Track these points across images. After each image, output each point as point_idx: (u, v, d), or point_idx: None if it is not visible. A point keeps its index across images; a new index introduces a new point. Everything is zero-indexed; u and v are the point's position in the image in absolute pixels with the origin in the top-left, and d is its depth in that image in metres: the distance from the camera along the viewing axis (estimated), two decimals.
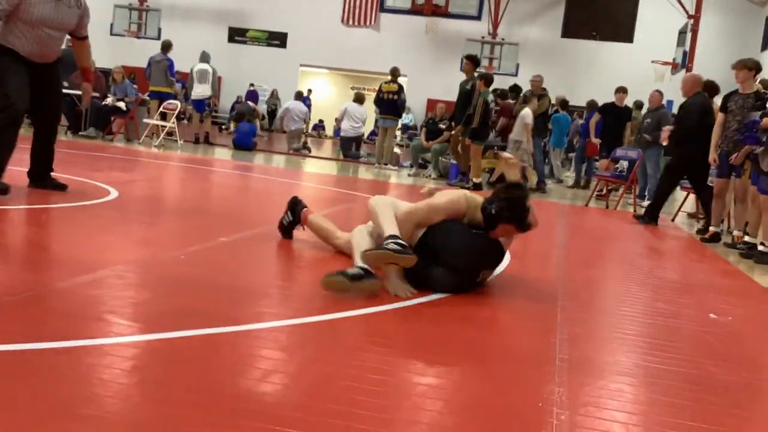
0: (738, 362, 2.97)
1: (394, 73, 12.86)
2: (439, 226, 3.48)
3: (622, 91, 11.74)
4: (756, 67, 7.06)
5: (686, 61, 19.94)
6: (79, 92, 12.41)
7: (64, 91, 12.49)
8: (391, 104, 12.58)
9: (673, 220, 9.03)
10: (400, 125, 14.73)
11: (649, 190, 11.01)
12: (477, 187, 10.21)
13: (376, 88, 13.21)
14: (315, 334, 2.73)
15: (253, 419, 1.86)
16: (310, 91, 25.21)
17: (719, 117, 7.22)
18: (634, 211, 9.85)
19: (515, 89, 12.81)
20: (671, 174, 8.39)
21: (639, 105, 13.34)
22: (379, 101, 12.74)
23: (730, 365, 2.88)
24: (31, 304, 2.67)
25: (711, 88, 9.32)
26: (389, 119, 12.78)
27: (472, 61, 11.27)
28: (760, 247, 6.14)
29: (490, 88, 10.72)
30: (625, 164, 11.74)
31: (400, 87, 12.72)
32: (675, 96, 18.61)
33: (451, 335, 2.94)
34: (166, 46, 13.47)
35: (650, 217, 8.19)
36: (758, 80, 7.77)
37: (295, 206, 4.33)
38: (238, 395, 2.02)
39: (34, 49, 4.66)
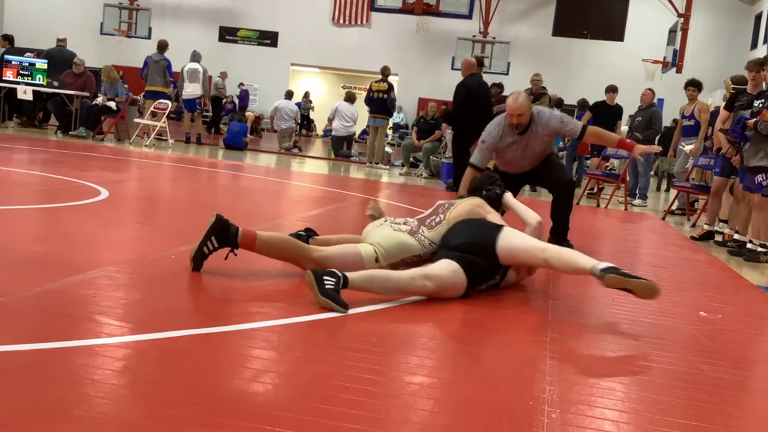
0: (728, 359, 2.98)
1: (384, 71, 12.87)
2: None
3: (612, 90, 11.77)
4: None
5: (676, 59, 20.01)
6: (69, 92, 12.49)
7: (54, 90, 12.53)
8: (380, 103, 12.60)
9: (663, 218, 9.06)
10: (391, 124, 14.72)
11: (640, 188, 11.04)
12: None
13: (367, 87, 13.21)
14: (306, 334, 2.73)
15: (245, 419, 1.86)
16: (307, 93, 25.17)
17: (722, 114, 7.31)
18: (625, 209, 9.89)
19: (498, 86, 12.80)
20: (456, 147, 9.42)
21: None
22: (369, 100, 12.76)
23: (721, 363, 2.90)
24: (22, 304, 2.66)
25: (697, 84, 9.41)
26: (379, 118, 12.79)
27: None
28: (749, 245, 6.18)
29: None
30: (615, 163, 11.80)
31: (390, 86, 12.72)
32: (666, 94, 18.74)
33: (442, 334, 2.94)
34: (163, 46, 13.43)
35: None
36: (729, 77, 7.86)
37: (226, 229, 3.37)
38: (229, 395, 2.02)
39: (516, 170, 5.41)
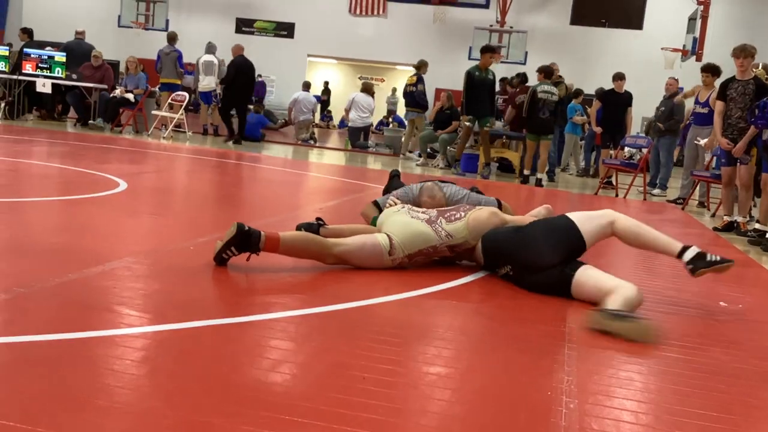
0: (748, 350, 2.96)
1: (416, 65, 13.12)
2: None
3: (620, 77, 11.61)
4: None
5: (696, 47, 19.76)
6: (87, 84, 12.56)
7: (73, 83, 12.61)
8: (410, 96, 12.83)
9: (683, 208, 8.98)
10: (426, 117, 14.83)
11: (660, 179, 10.94)
12: (525, 181, 10.41)
13: (384, 78, 13.32)
14: (324, 325, 2.73)
15: (263, 409, 1.87)
16: (326, 83, 25.11)
17: (718, 105, 7.21)
18: (644, 198, 9.81)
19: (519, 77, 12.76)
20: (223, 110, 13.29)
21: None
22: (403, 93, 13.34)
23: (741, 353, 2.87)
24: (42, 295, 2.69)
25: (713, 70, 9.29)
26: (411, 111, 13.03)
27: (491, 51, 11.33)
28: None
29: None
30: (633, 152, 11.69)
31: (419, 78, 12.78)
32: (686, 83, 18.53)
33: (459, 325, 2.94)
34: (173, 38, 13.51)
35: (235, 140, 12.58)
36: (760, 65, 7.76)
37: (247, 239, 3.31)
38: (247, 385, 2.03)
39: None
